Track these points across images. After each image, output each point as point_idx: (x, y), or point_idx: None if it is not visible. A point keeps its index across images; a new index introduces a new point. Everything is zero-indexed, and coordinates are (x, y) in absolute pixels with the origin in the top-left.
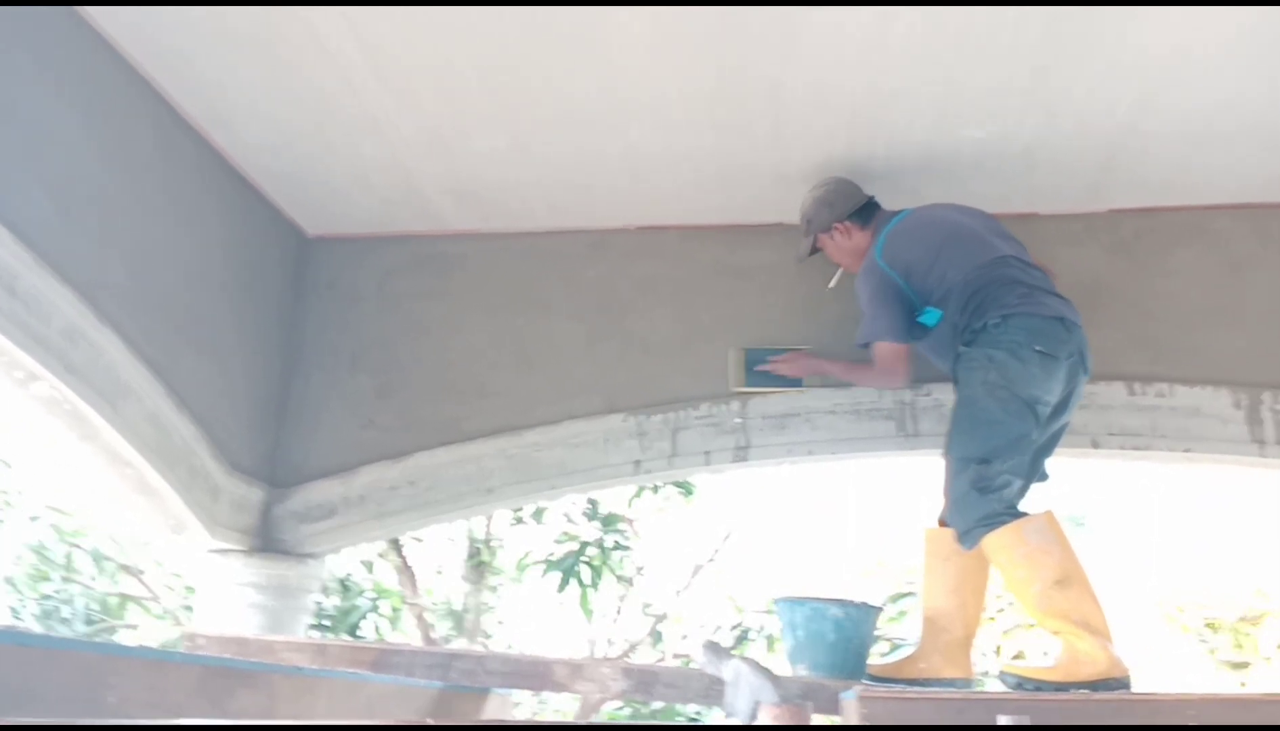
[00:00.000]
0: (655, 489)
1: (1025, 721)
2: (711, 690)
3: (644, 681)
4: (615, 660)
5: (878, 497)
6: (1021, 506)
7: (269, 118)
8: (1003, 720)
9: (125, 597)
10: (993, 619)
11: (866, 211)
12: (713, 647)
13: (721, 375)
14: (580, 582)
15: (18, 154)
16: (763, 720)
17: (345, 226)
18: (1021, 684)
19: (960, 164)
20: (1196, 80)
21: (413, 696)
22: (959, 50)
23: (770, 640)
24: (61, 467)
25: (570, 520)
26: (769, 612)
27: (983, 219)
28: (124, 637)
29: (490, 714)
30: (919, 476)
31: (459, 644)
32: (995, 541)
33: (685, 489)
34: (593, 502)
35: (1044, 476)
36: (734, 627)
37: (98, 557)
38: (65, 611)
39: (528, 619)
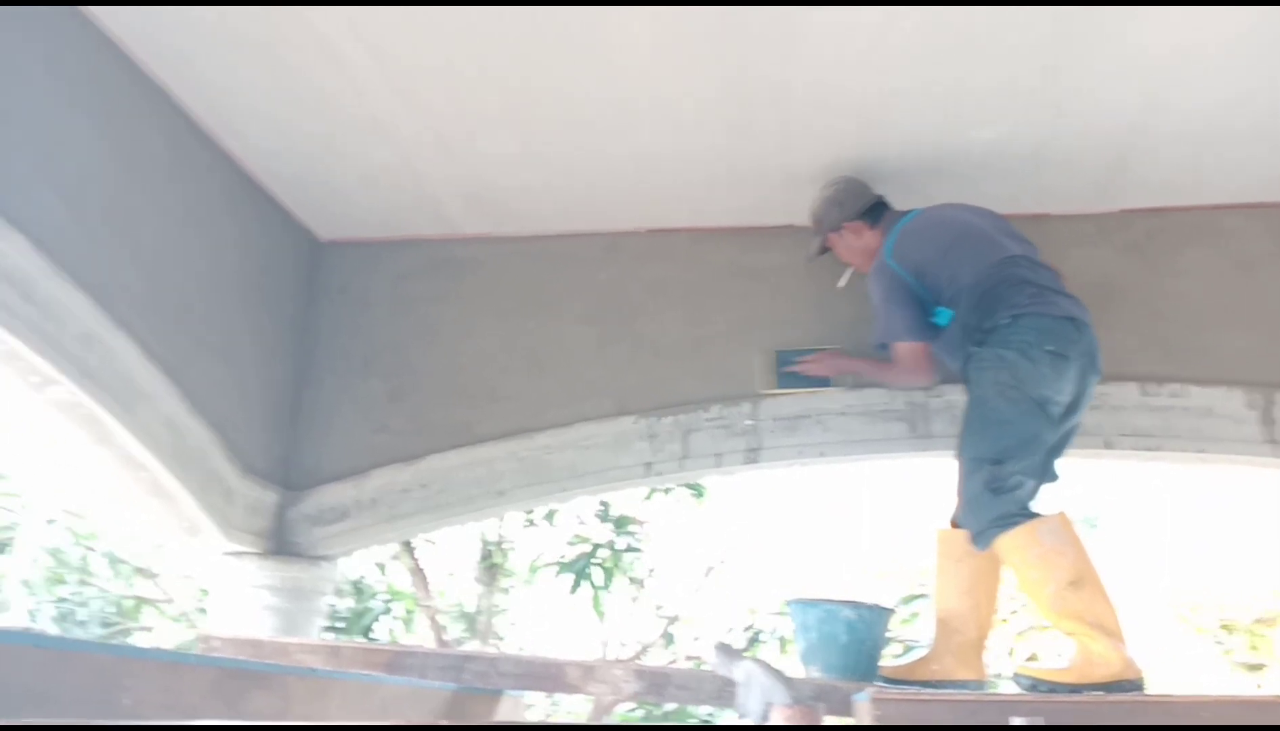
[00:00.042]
0: (667, 491)
1: (1039, 722)
2: (724, 691)
3: (656, 683)
4: (627, 662)
5: (890, 499)
6: (1033, 507)
7: (278, 123)
8: (1016, 721)
9: (140, 600)
10: (1006, 620)
11: (876, 211)
12: (725, 649)
13: (732, 377)
14: (592, 584)
15: (31, 160)
16: (775, 721)
17: (357, 231)
18: (1035, 685)
19: (969, 164)
20: (1206, 79)
21: (426, 698)
22: (966, 50)
23: (783, 642)
24: (77, 471)
25: (582, 522)
26: (781, 614)
27: (992, 219)
28: (139, 640)
29: (503, 715)
30: (932, 477)
31: (472, 646)
32: (1009, 542)
33: (697, 491)
34: (604, 505)
35: (1055, 477)
36: (746, 629)
37: (113, 560)
38: (81, 614)
39: (540, 621)
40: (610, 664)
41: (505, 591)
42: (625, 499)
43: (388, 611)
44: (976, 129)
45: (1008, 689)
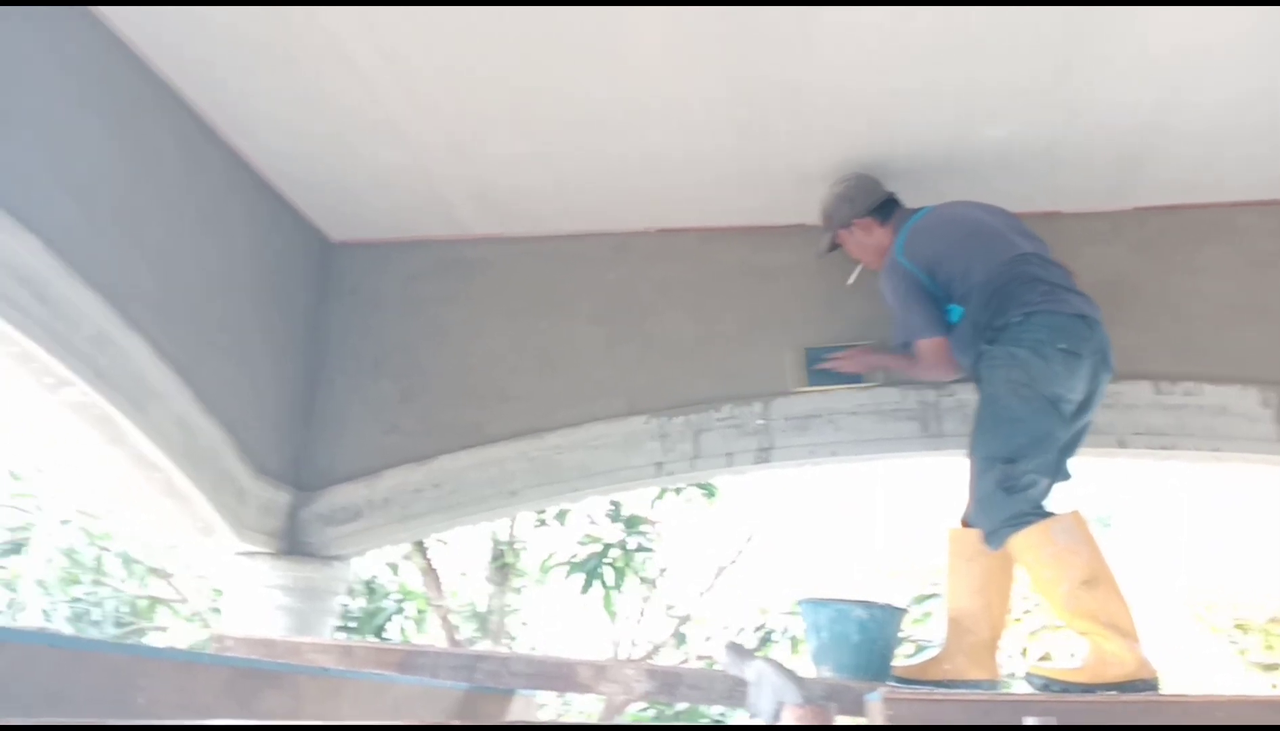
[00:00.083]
0: (678, 490)
1: (1052, 722)
2: (735, 691)
3: (668, 683)
4: (639, 661)
5: (902, 498)
6: (1047, 506)
7: (290, 124)
8: (1029, 721)
9: (154, 600)
10: (1019, 620)
11: (887, 208)
12: (736, 649)
13: (743, 376)
14: (603, 584)
15: (45, 162)
16: (786, 721)
17: (368, 232)
18: (1048, 685)
19: (982, 163)
20: (1220, 76)
21: (438, 697)
22: (977, 49)
23: (794, 641)
24: (91, 471)
25: (593, 522)
26: (793, 614)
27: (1003, 216)
28: (153, 640)
29: (515, 715)
30: (944, 477)
31: (483, 645)
32: (1022, 541)
33: (708, 490)
34: (615, 504)
35: (1067, 476)
36: (757, 629)
37: (127, 561)
38: (95, 614)
39: (551, 620)
40: (622, 663)
41: (517, 591)
42: (636, 498)
43: (400, 611)
44: (988, 127)
45: (1021, 689)
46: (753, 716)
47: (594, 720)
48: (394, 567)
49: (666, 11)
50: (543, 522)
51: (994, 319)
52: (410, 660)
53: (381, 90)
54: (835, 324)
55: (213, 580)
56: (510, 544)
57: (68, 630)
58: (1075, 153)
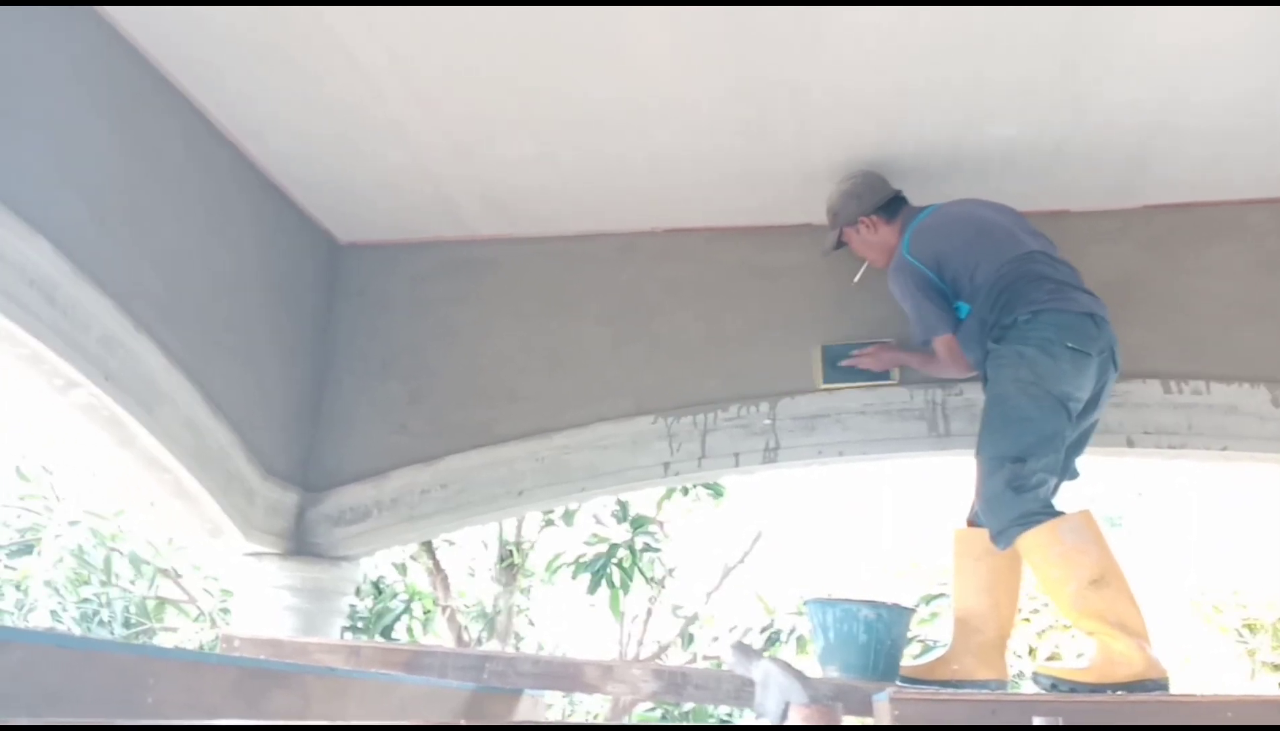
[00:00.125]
0: (685, 490)
1: (1059, 722)
2: (742, 691)
3: (675, 683)
4: (646, 661)
5: (910, 498)
6: (1056, 505)
7: (297, 126)
8: (1037, 721)
9: (163, 601)
10: (1027, 619)
11: (893, 206)
12: (743, 649)
13: (750, 376)
14: (610, 584)
15: (54, 165)
16: (793, 720)
17: (375, 233)
18: (1056, 685)
19: (990, 161)
20: (1228, 74)
21: (445, 697)
22: (983, 48)
23: (801, 641)
24: (100, 473)
25: (600, 522)
26: (800, 614)
27: (1010, 215)
28: (162, 640)
29: (522, 715)
30: (951, 476)
31: (491, 645)
32: (1031, 540)
33: (715, 490)
34: (622, 504)
35: (1074, 474)
36: (764, 629)
37: (136, 561)
38: (104, 614)
39: (559, 620)
40: (629, 663)
41: (524, 591)
42: (643, 499)
43: (407, 611)
44: (995, 126)
45: (1029, 689)
46: (759, 716)
47: (601, 720)
48: (401, 568)
49: (671, 11)
50: (550, 522)
51: (1001, 317)
52: (417, 660)
53: (387, 91)
54: (842, 323)
55: (221, 581)
56: (517, 544)
57: (76, 630)
58: (1082, 151)
